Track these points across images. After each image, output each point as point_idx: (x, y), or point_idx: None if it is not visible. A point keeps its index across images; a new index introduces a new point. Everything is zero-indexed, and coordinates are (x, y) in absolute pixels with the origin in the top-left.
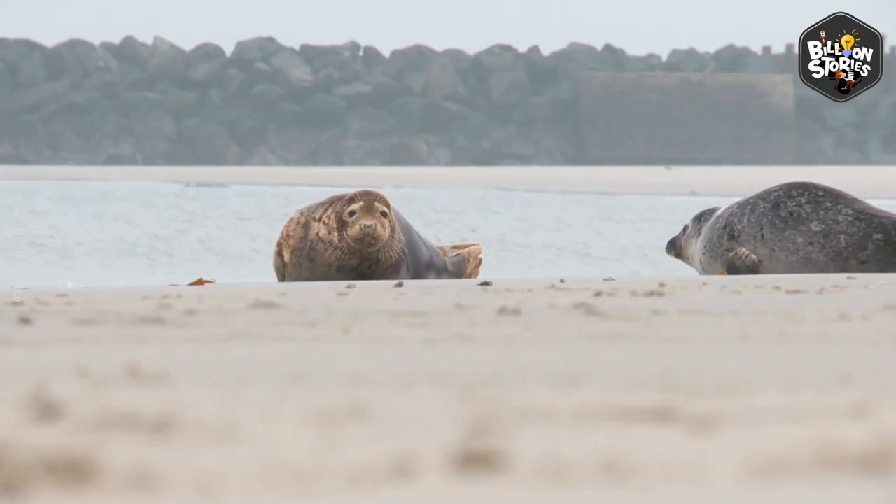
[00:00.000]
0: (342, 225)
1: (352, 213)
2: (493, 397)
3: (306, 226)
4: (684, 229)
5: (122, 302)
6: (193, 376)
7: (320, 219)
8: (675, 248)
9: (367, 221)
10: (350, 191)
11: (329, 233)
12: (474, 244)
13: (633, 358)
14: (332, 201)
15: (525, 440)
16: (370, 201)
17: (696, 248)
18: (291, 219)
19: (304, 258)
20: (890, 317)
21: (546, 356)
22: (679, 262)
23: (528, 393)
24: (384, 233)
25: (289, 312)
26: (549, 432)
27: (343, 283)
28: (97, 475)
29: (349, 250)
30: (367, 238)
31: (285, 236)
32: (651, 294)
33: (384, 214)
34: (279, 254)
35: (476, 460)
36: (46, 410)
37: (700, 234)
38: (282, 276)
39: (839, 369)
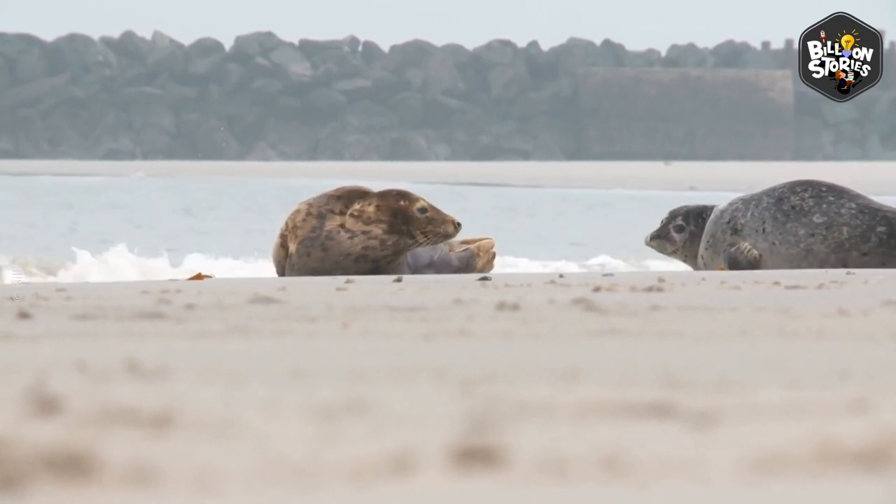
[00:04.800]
0: (407, 221)
1: (423, 210)
2: (492, 392)
3: (321, 217)
4: (678, 228)
5: (121, 297)
6: (192, 371)
7: (344, 212)
8: (672, 245)
9: (454, 218)
10: (360, 185)
11: (366, 224)
12: (486, 238)
13: (632, 353)
14: (348, 194)
15: (524, 435)
16: (420, 198)
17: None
18: (298, 210)
19: (315, 248)
20: (889, 312)
21: (545, 351)
22: (662, 256)
23: (527, 388)
24: None
25: (288, 307)
26: (549, 428)
27: (342, 278)
28: (96, 470)
29: (393, 244)
30: (456, 233)
31: (292, 227)
32: (650, 290)
33: None
34: (283, 245)
35: (475, 456)
36: (45, 405)
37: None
38: (282, 268)
39: (838, 365)
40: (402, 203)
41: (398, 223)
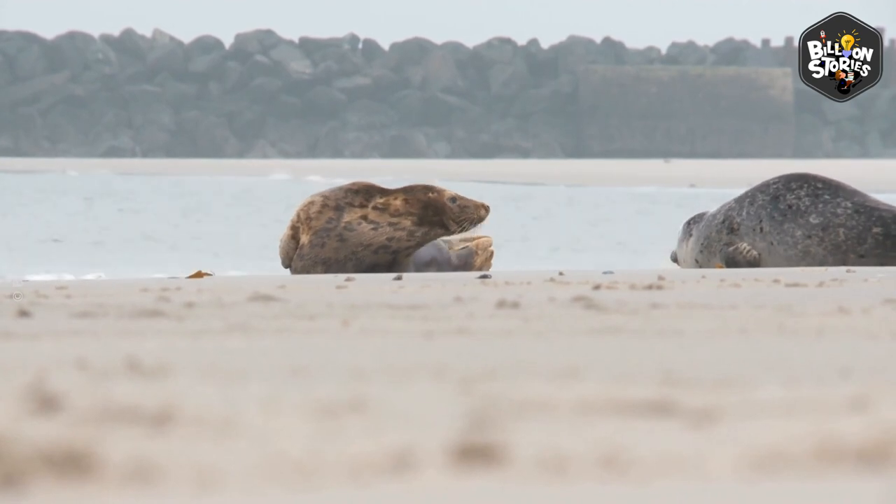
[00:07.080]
0: (438, 212)
1: (453, 199)
2: (492, 390)
3: (338, 209)
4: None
5: (121, 295)
6: (193, 369)
7: (365, 205)
8: (673, 257)
9: (483, 202)
10: (373, 182)
11: (393, 216)
12: (483, 236)
13: (632, 351)
14: (366, 189)
15: (524, 433)
16: (446, 189)
17: (687, 249)
18: (312, 202)
19: (331, 238)
20: (889, 310)
21: (545, 349)
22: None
23: (527, 386)
24: None
25: (288, 305)
26: (548, 425)
27: (342, 277)
28: (97, 468)
29: (422, 235)
30: (487, 216)
31: (305, 219)
32: (650, 287)
33: None
34: (293, 237)
35: (475, 453)
36: (46, 403)
37: (691, 235)
38: (289, 259)
39: (838, 363)
40: (431, 195)
41: (429, 215)
